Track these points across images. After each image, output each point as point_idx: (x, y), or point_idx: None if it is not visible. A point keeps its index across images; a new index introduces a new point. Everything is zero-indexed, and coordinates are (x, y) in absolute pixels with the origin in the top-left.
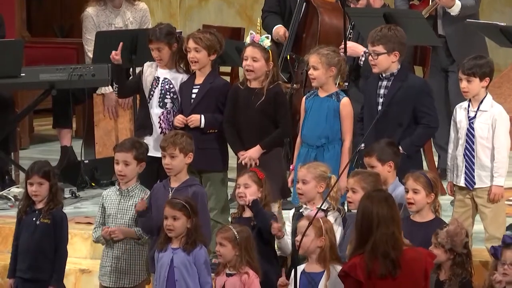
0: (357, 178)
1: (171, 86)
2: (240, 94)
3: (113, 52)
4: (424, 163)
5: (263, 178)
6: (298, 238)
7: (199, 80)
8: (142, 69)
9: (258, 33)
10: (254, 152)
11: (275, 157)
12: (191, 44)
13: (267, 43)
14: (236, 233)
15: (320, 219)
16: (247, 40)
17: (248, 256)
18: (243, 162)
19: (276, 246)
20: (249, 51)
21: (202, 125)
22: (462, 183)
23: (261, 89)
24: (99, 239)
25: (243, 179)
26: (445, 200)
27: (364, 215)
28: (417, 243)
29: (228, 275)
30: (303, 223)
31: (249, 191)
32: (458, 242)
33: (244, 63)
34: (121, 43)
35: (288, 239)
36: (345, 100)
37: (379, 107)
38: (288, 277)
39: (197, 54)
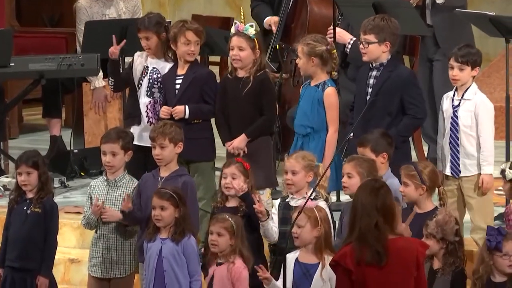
0: (353, 163)
1: (159, 75)
2: (229, 84)
3: (112, 47)
4: (413, 153)
5: (249, 168)
6: (295, 230)
7: (181, 70)
8: (133, 59)
9: (242, 22)
10: (240, 141)
11: (264, 146)
12: (193, 37)
13: (251, 31)
14: (233, 222)
15: (314, 209)
16: (232, 30)
17: (241, 245)
18: (230, 152)
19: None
20: (234, 41)
21: (187, 116)
22: (448, 172)
23: (248, 78)
24: (89, 218)
25: (230, 169)
26: None
27: (352, 204)
28: (418, 234)
29: (218, 264)
30: (301, 216)
31: (236, 182)
32: (449, 230)
33: (231, 53)
34: (114, 37)
35: (274, 226)
36: (329, 90)
37: (368, 97)
38: (275, 266)
39: (197, 47)
